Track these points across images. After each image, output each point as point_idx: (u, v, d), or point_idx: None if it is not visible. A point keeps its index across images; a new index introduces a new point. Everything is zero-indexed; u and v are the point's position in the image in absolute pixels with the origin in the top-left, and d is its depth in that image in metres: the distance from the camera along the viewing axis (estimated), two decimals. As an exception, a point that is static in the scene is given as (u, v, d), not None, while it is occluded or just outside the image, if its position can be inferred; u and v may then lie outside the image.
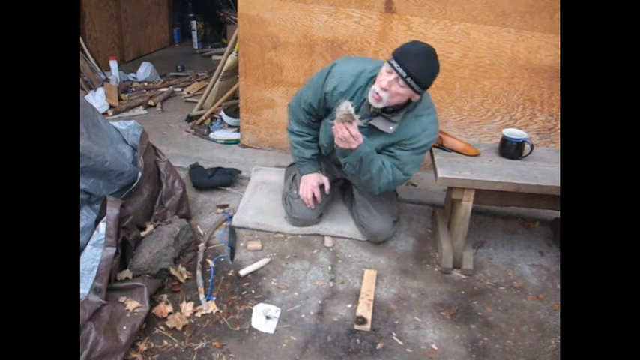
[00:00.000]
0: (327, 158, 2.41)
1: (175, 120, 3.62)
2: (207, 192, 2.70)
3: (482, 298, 2.10)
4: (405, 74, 1.87)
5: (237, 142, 3.27)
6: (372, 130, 2.07)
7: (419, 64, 1.88)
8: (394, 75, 1.89)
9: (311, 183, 2.35)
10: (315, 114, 2.24)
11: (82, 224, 2.00)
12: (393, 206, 2.39)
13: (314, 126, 2.30)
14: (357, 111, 2.03)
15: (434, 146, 2.29)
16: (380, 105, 1.97)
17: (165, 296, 1.98)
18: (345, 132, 1.92)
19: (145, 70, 4.34)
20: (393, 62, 1.89)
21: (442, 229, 2.36)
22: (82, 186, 2.00)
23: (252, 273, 2.15)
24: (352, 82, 2.06)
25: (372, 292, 2.06)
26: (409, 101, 2.01)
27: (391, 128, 2.03)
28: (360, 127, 1.98)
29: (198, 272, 2.08)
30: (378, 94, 1.94)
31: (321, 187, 2.37)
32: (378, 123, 2.04)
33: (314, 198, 2.35)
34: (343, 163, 2.13)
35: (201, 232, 2.40)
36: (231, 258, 2.21)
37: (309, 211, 2.37)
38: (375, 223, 2.30)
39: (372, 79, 2.02)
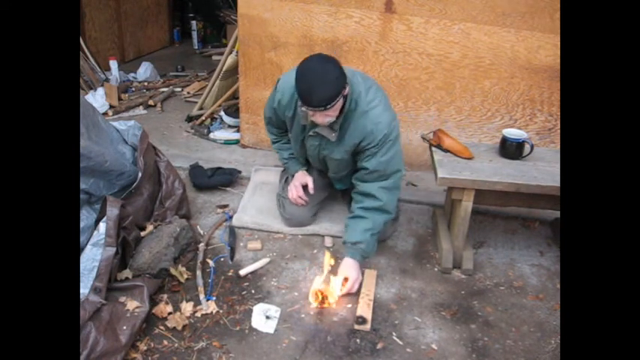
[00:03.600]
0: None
1: (175, 120, 3.62)
2: (207, 192, 2.70)
3: (482, 298, 2.10)
4: (322, 108, 1.83)
5: (237, 142, 3.27)
6: (323, 139, 2.10)
7: (322, 92, 1.80)
8: (317, 112, 1.87)
9: (294, 183, 2.37)
10: (277, 126, 2.34)
11: (82, 224, 2.00)
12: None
13: (283, 134, 2.38)
14: (306, 127, 2.08)
15: (433, 145, 2.29)
16: (330, 122, 1.95)
17: (165, 296, 1.98)
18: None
19: (145, 70, 4.34)
20: (304, 108, 1.88)
21: (442, 229, 2.36)
22: (82, 186, 2.00)
23: (252, 273, 2.15)
24: (291, 94, 2.06)
25: (372, 292, 2.06)
26: (344, 103, 1.94)
27: (333, 135, 2.01)
28: (311, 137, 2.12)
29: (198, 272, 2.08)
30: (322, 123, 1.94)
31: (306, 186, 2.36)
32: (323, 131, 2.03)
33: (302, 198, 2.35)
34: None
35: (201, 232, 2.40)
36: (231, 258, 2.21)
37: (301, 211, 2.37)
38: None
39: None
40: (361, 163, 2.08)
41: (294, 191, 2.34)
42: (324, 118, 1.91)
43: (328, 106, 1.84)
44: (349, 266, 2.06)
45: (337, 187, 2.40)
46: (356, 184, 2.15)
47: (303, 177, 2.36)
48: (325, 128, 2.01)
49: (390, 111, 2.08)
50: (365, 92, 2.02)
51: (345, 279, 2.03)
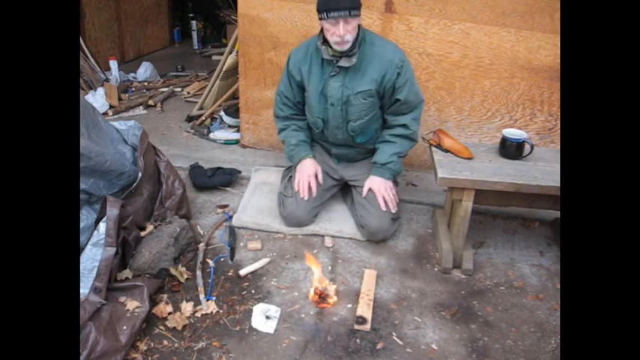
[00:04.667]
0: (323, 149, 2.45)
1: (175, 120, 3.62)
2: (207, 192, 2.70)
3: (482, 298, 2.10)
4: (347, 13, 2.04)
5: (237, 142, 3.27)
6: (344, 72, 2.21)
7: None
8: (341, 21, 2.05)
9: (307, 172, 2.36)
10: (293, 103, 2.41)
11: (82, 224, 2.00)
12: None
13: (296, 117, 2.45)
14: (322, 62, 2.25)
15: (433, 145, 2.29)
16: (348, 45, 2.14)
17: (165, 296, 1.98)
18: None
19: (145, 70, 4.34)
20: (332, 14, 2.05)
21: (442, 229, 2.36)
22: (82, 186, 2.00)
23: (252, 273, 2.15)
24: (305, 50, 2.31)
25: (372, 292, 2.06)
26: (358, 32, 2.18)
27: (354, 60, 2.17)
28: (333, 76, 2.23)
29: (198, 272, 2.08)
30: (342, 40, 2.10)
31: (316, 177, 2.38)
32: (344, 62, 2.19)
33: (310, 188, 2.35)
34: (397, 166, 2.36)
35: (201, 232, 2.40)
36: (231, 258, 2.21)
37: (303, 211, 2.36)
38: (373, 221, 2.30)
39: (317, 41, 2.24)
40: (394, 97, 2.26)
41: (307, 180, 2.34)
42: (346, 30, 2.07)
43: (352, 12, 2.05)
44: (372, 180, 2.33)
45: (358, 140, 2.38)
46: (389, 119, 2.34)
47: (312, 166, 2.38)
48: (345, 60, 2.17)
49: (397, 46, 2.32)
50: (369, 32, 2.29)
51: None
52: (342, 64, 2.19)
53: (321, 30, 2.19)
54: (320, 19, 2.12)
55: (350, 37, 2.11)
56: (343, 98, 2.25)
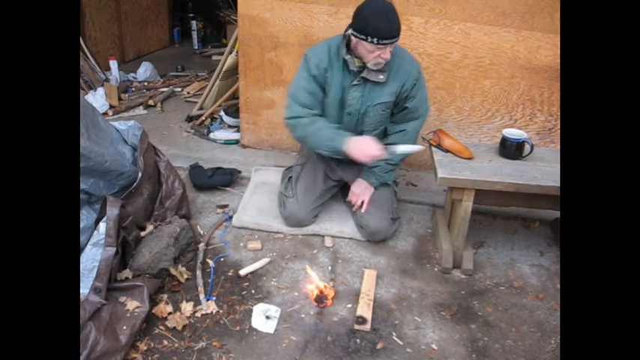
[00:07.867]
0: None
1: (175, 120, 3.62)
2: (207, 192, 2.70)
3: (482, 298, 2.10)
4: (395, 40, 2.03)
5: (237, 142, 3.27)
6: (366, 84, 2.18)
7: (397, 22, 2.03)
8: (388, 46, 2.03)
9: (369, 148, 2.09)
10: (315, 95, 2.21)
11: (82, 224, 2.00)
12: (391, 205, 2.39)
13: (318, 106, 2.24)
14: (344, 68, 2.17)
15: (433, 145, 2.29)
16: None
17: (165, 296, 1.98)
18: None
19: (145, 70, 4.34)
20: (382, 41, 2.00)
21: (442, 229, 2.36)
22: (82, 186, 2.00)
23: (252, 273, 2.15)
24: (327, 55, 2.20)
25: (372, 292, 2.06)
26: None
27: (381, 77, 2.15)
28: (354, 85, 2.18)
29: (198, 272, 2.08)
30: (381, 63, 2.08)
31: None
32: (369, 74, 2.14)
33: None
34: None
35: (201, 232, 2.40)
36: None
37: (303, 211, 2.37)
38: (372, 222, 2.31)
39: (338, 46, 2.17)
40: (403, 105, 2.25)
41: (372, 147, 2.09)
42: (388, 53, 2.05)
43: (399, 36, 2.04)
44: (357, 184, 2.37)
45: None
46: (389, 128, 2.33)
47: (371, 141, 2.11)
48: (372, 72, 2.13)
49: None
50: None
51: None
52: (368, 77, 2.14)
53: (347, 41, 2.10)
54: (362, 39, 2.01)
55: (389, 57, 2.08)
56: (362, 109, 2.23)
